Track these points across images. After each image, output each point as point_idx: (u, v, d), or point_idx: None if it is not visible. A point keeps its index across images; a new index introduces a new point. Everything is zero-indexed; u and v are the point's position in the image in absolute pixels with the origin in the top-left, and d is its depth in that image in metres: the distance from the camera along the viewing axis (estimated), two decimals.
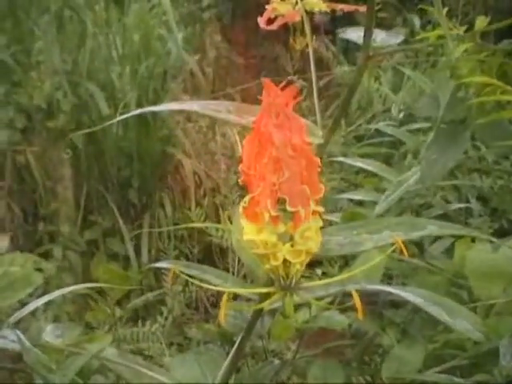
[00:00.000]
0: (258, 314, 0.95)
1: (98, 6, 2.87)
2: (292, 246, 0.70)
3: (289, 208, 0.69)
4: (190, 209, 2.29)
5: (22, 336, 1.15)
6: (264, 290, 0.73)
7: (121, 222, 2.54)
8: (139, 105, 2.65)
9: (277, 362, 1.39)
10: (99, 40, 2.77)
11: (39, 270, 1.50)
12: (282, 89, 0.71)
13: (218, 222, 2.20)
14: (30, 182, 2.65)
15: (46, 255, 2.41)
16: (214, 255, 2.15)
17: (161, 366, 1.34)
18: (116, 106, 2.63)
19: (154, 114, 2.67)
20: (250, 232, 0.71)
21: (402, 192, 1.44)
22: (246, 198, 0.70)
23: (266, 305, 0.75)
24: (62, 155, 2.63)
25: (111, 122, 1.62)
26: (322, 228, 0.72)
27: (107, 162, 2.69)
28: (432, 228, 0.88)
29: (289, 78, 0.89)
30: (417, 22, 2.72)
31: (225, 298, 0.70)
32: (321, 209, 0.71)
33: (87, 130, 2.45)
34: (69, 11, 2.83)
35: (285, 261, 0.70)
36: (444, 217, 1.67)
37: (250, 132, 0.72)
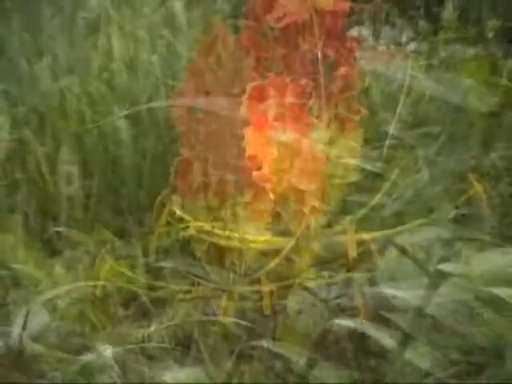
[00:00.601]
0: (261, 314, 0.94)
1: (111, 7, 2.89)
2: (296, 243, 0.70)
3: (293, 205, 0.68)
4: (198, 210, 2.28)
5: (25, 333, 1.14)
6: (265, 289, 0.73)
7: (130, 221, 2.54)
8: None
9: (280, 364, 1.38)
10: (111, 40, 2.78)
11: (46, 268, 1.50)
12: (289, 86, 0.71)
13: (226, 222, 2.19)
14: (40, 181, 2.66)
15: (55, 255, 2.41)
16: (222, 256, 2.14)
17: (164, 367, 1.34)
18: (127, 107, 2.63)
19: (164, 114, 2.67)
20: (253, 229, 0.70)
21: (410, 195, 1.43)
22: (250, 195, 0.69)
23: (268, 303, 0.74)
24: (72, 155, 2.64)
25: (117, 117, 1.62)
26: (329, 228, 0.71)
27: (117, 162, 2.70)
28: (440, 231, 0.88)
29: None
30: (428, 27, 2.72)
31: (225, 297, 0.70)
32: (326, 207, 0.71)
33: (94, 125, 2.46)
34: (81, 11, 2.85)
35: (288, 259, 0.70)
36: (452, 221, 1.66)
37: (256, 128, 0.71)
